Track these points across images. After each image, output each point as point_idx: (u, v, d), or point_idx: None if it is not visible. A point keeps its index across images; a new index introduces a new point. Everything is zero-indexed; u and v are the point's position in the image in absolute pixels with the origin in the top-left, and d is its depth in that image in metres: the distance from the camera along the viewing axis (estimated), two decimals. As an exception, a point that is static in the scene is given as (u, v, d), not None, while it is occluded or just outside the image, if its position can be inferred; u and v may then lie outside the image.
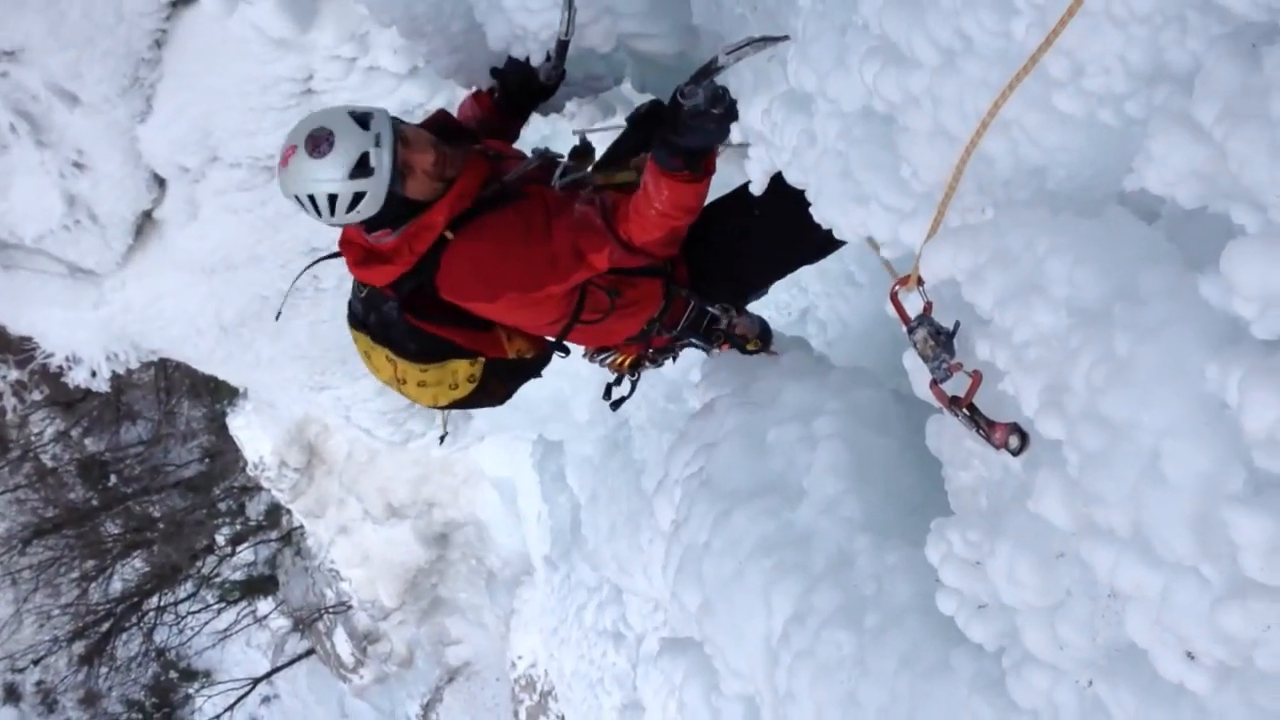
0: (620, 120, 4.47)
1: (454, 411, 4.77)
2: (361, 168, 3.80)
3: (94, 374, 13.00)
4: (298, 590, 25.25)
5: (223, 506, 26.79)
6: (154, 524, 26.54)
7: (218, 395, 22.04)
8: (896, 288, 3.12)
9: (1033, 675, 2.69)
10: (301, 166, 3.80)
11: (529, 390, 4.92)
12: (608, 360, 5.02)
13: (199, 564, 26.87)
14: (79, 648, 26.01)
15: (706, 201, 4.15)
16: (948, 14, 2.68)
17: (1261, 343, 2.03)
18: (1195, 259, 2.32)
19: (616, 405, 5.30)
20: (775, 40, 3.45)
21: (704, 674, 4.22)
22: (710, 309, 4.81)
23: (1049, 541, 2.58)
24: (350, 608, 22.63)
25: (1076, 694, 2.58)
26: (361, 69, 8.87)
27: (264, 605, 27.47)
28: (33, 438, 24.40)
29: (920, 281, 2.99)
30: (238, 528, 26.78)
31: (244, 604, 27.64)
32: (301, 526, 22.20)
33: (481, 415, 11.01)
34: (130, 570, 26.72)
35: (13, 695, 27.12)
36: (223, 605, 27.68)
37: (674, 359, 5.23)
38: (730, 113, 3.78)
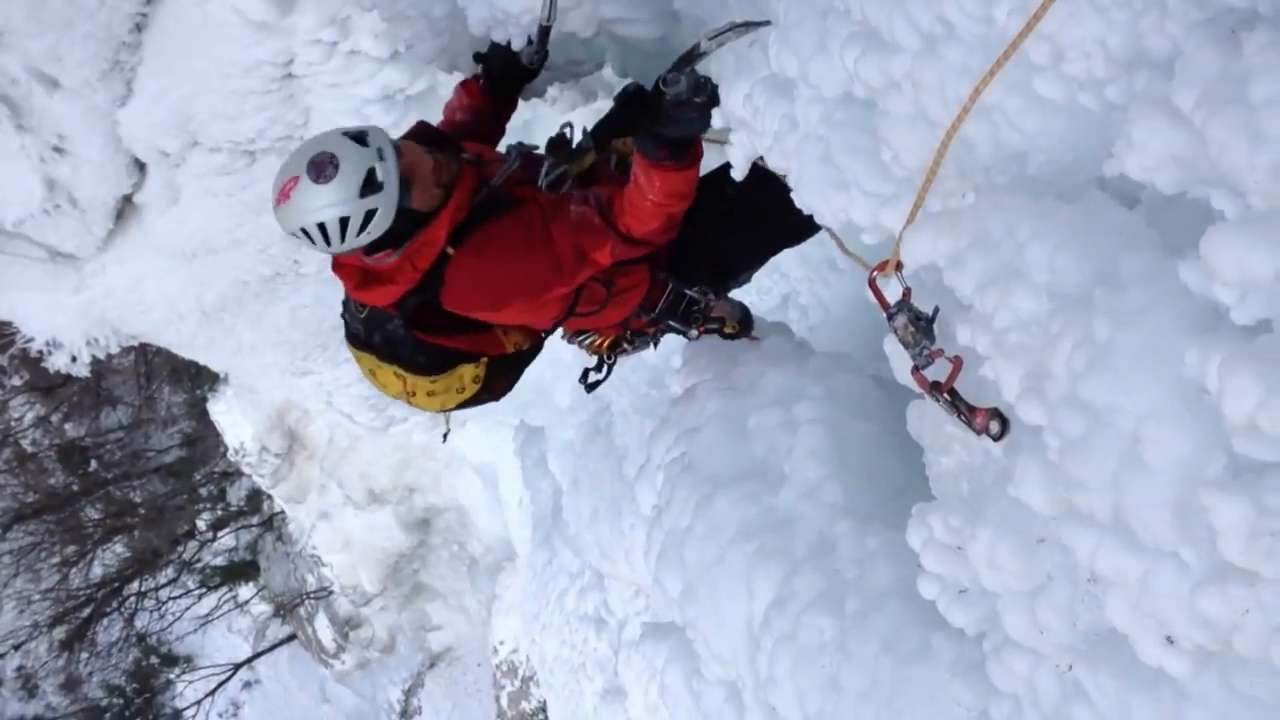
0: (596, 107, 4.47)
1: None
2: (370, 184, 3.73)
3: (74, 359, 12.96)
4: (279, 576, 25.22)
5: (204, 492, 26.76)
6: (135, 509, 26.49)
7: (198, 380, 22.01)
8: (875, 274, 3.12)
9: (1013, 660, 2.70)
10: (307, 195, 3.71)
11: (510, 375, 4.92)
12: (586, 342, 5.01)
13: (180, 549, 26.85)
14: (59, 633, 25.97)
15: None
16: (929, -1, 2.68)
17: (1241, 328, 2.03)
18: (1175, 244, 2.32)
19: (592, 388, 5.29)
20: (757, 25, 3.44)
21: (685, 659, 4.22)
22: (688, 291, 4.80)
23: (1030, 526, 2.59)
24: (332, 593, 22.61)
25: (1057, 678, 2.58)
26: (343, 53, 8.84)
27: (245, 590, 27.46)
28: (12, 423, 24.33)
29: (900, 266, 3.00)
30: (219, 513, 26.76)
31: (225, 589, 27.62)
32: (283, 512, 22.17)
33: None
34: (111, 555, 26.67)
35: (-8, 680, 27.12)
36: (204, 591, 27.66)
37: (654, 345, 5.22)
38: (713, 99, 3.77)
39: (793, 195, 3.55)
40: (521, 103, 4.74)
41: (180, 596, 27.60)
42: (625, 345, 5.08)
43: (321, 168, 3.72)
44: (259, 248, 11.02)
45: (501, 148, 4.54)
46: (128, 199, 10.80)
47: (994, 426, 2.61)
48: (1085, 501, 2.32)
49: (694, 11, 4.22)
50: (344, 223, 3.73)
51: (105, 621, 26.66)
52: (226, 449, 19.89)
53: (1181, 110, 2.10)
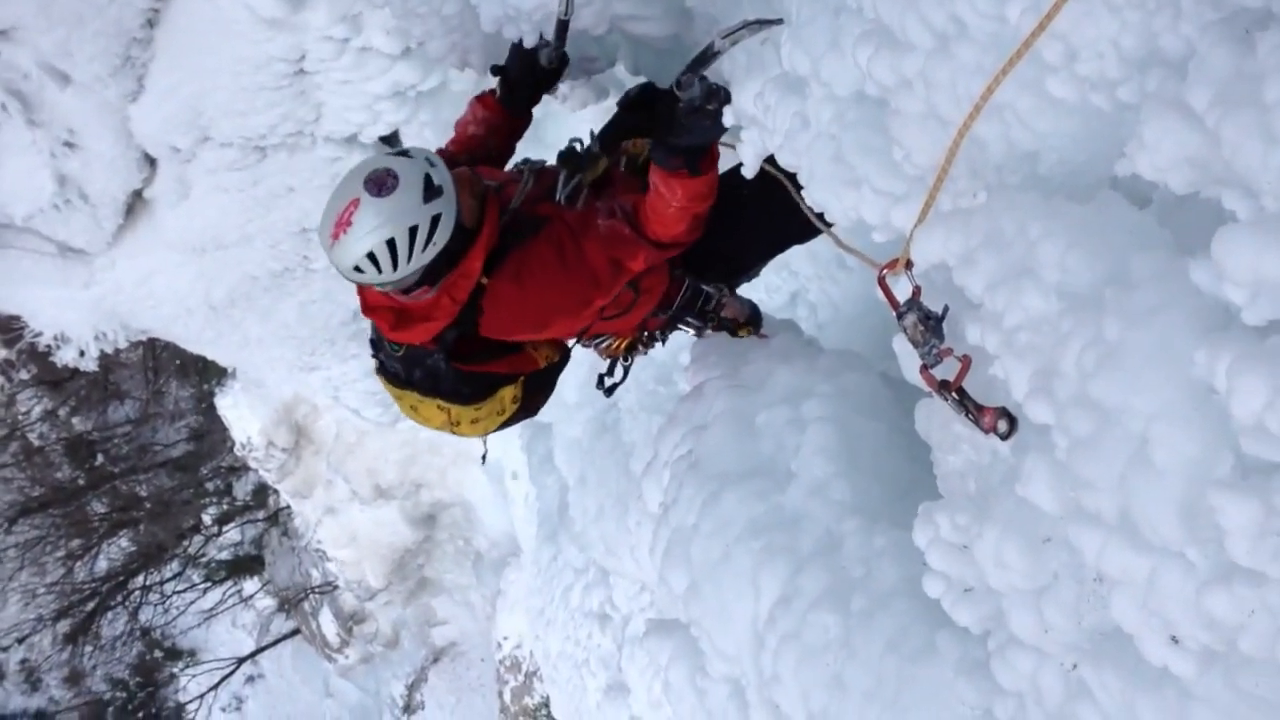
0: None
1: None
2: (430, 189, 3.74)
3: (82, 353, 13.01)
4: (284, 570, 25.23)
5: (210, 486, 26.77)
6: (140, 503, 26.52)
7: (206, 375, 22.02)
8: (885, 272, 3.13)
9: (1018, 658, 2.70)
10: (371, 212, 3.67)
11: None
12: (603, 345, 5.02)
13: (185, 543, 26.87)
14: (64, 626, 26.02)
15: None
16: (942, -2, 2.69)
17: (1251, 329, 2.03)
18: (1186, 245, 2.32)
19: (610, 391, 5.30)
20: (769, 23, 3.44)
21: (690, 656, 4.22)
22: (705, 287, 4.82)
23: (1036, 526, 2.59)
24: (336, 588, 22.60)
25: (1061, 677, 2.59)
26: (354, 50, 8.88)
27: (250, 585, 27.48)
28: (20, 416, 24.38)
29: (910, 265, 3.00)
30: (224, 507, 26.76)
31: (230, 584, 27.64)
32: (288, 507, 22.16)
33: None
34: (116, 549, 26.71)
35: (-3, 673, 27.18)
36: (208, 585, 27.67)
37: (662, 342, 5.23)
38: (725, 105, 3.78)
39: (804, 193, 3.55)
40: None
41: (185, 591, 27.62)
42: (640, 347, 5.09)
43: (381, 182, 3.70)
44: (268, 243, 11.06)
45: (508, 167, 4.55)
46: (138, 194, 10.84)
47: (1002, 425, 2.61)
48: (1093, 501, 2.32)
49: (706, 9, 4.23)
50: (413, 234, 3.71)
51: (110, 615, 26.72)
52: (233, 444, 19.87)
53: (1195, 110, 2.10)
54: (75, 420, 25.46)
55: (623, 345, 5.03)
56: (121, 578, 26.57)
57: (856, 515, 3.78)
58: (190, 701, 27.44)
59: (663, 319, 4.87)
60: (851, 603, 3.51)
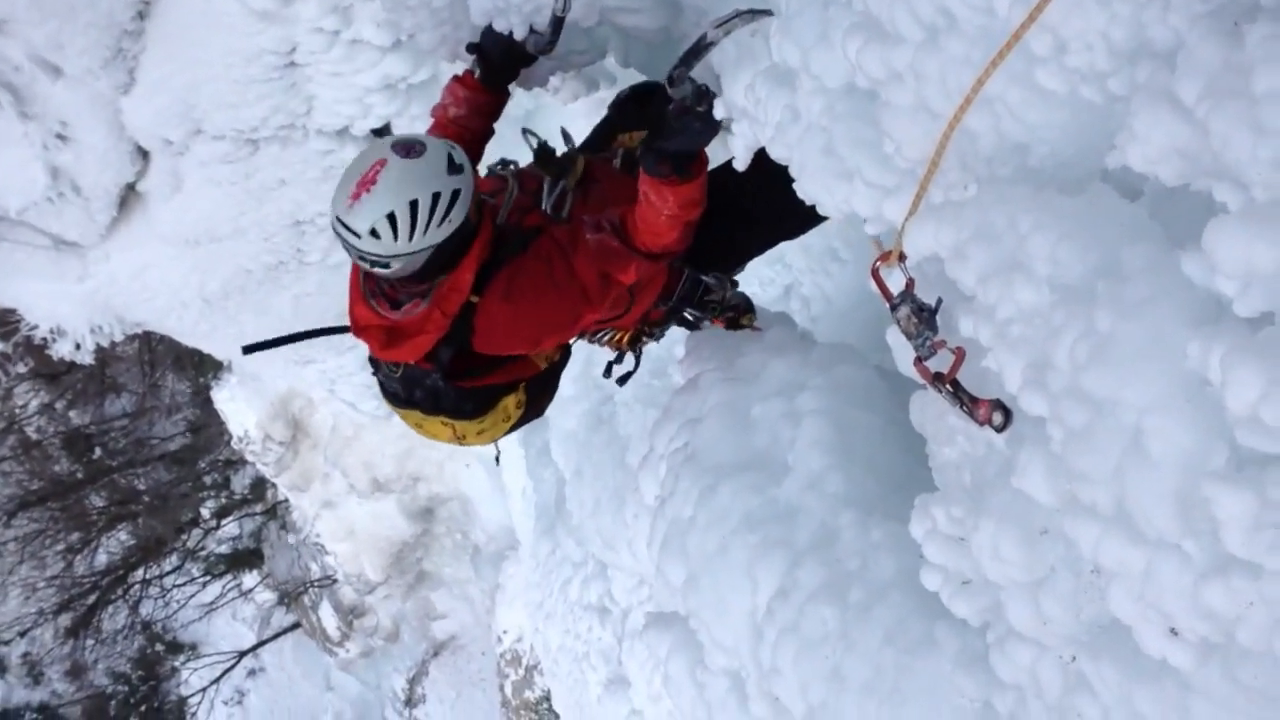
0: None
1: None
2: (453, 165, 3.74)
3: (78, 346, 13.01)
4: (283, 564, 25.26)
5: (208, 480, 26.80)
6: (139, 497, 26.56)
7: (202, 368, 22.04)
8: (878, 264, 3.12)
9: (1016, 650, 2.70)
10: (398, 171, 3.66)
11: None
12: (605, 339, 5.01)
13: (184, 537, 26.89)
14: (65, 620, 26.06)
15: None
16: (931, -10, 2.68)
17: (1243, 320, 2.03)
18: (1177, 236, 2.32)
19: (623, 381, 5.30)
20: (760, 13, 3.43)
21: (689, 648, 4.23)
22: (704, 279, 4.81)
23: (1032, 518, 2.59)
24: (335, 581, 22.63)
25: (1060, 669, 2.59)
26: (345, 42, 8.86)
27: (249, 579, 27.49)
28: (17, 410, 24.36)
29: (903, 258, 2.99)
30: (223, 501, 26.80)
31: (229, 577, 27.66)
32: (286, 500, 22.18)
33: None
34: (115, 543, 26.74)
35: (-2, 667, 27.21)
36: (208, 578, 27.70)
37: (657, 338, 5.23)
38: (712, 110, 3.76)
39: (795, 187, 3.54)
40: (524, 93, 4.72)
41: (185, 584, 27.65)
42: (644, 338, 5.08)
43: (409, 147, 3.71)
44: (262, 236, 11.05)
45: (482, 169, 4.51)
46: (131, 187, 10.83)
47: (997, 418, 2.61)
48: (1088, 493, 2.32)
49: (695, 1, 4.21)
50: (435, 200, 3.68)
51: (110, 609, 26.74)
52: (230, 437, 19.89)
53: (1184, 102, 2.09)
54: (72, 414, 25.44)
55: (626, 338, 5.01)
56: (121, 571, 26.60)
57: (852, 508, 3.78)
58: (192, 695, 27.47)
59: (663, 310, 4.86)
60: (849, 595, 3.51)
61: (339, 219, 3.70)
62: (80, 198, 10.77)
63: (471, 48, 4.51)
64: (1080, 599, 2.51)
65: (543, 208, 4.22)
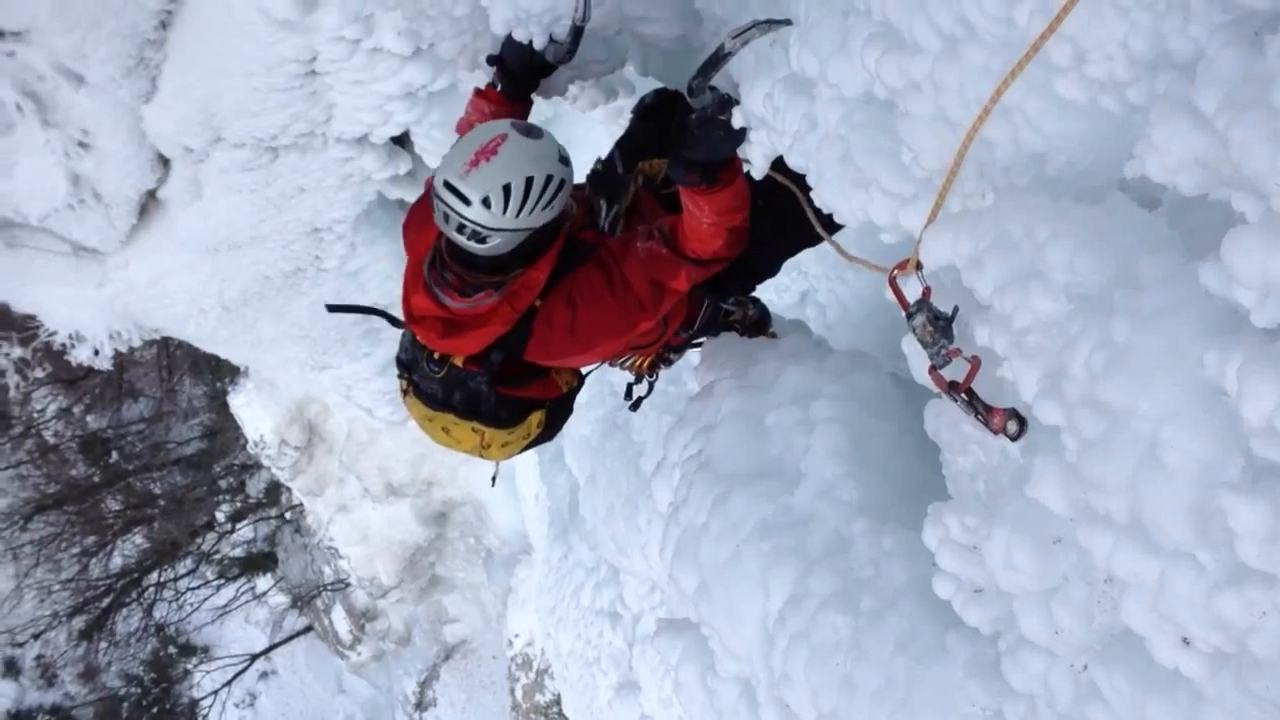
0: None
1: None
2: (563, 156, 3.86)
3: (96, 352, 13.03)
4: (296, 567, 25.28)
5: (223, 484, 26.81)
6: (154, 501, 26.57)
7: (219, 373, 22.09)
8: (895, 272, 3.13)
9: (1028, 659, 2.70)
10: (519, 147, 3.74)
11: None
12: (627, 363, 5.04)
13: (199, 541, 26.89)
14: (79, 623, 26.07)
15: None
16: (949, 0, 2.68)
17: (1261, 331, 2.03)
18: (1196, 247, 2.32)
19: (636, 405, 5.33)
20: (779, 24, 3.44)
21: (700, 655, 4.23)
22: (724, 305, 4.83)
23: (1046, 527, 2.59)
24: (348, 585, 22.62)
25: (1072, 678, 2.58)
26: (365, 51, 8.88)
27: (263, 582, 27.47)
28: (35, 414, 24.44)
29: (919, 266, 3.00)
30: (238, 505, 26.80)
31: (243, 581, 27.65)
32: (301, 504, 22.20)
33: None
34: (131, 546, 26.76)
35: (12, 669, 27.25)
36: (222, 582, 27.70)
37: (669, 363, 5.27)
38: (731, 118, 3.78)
39: (813, 194, 3.55)
40: (543, 101, 4.73)
41: (199, 587, 27.66)
42: (663, 364, 5.11)
43: (530, 128, 3.81)
44: (281, 243, 11.07)
45: None
46: (151, 194, 10.85)
47: (1011, 426, 2.61)
48: (1102, 502, 2.32)
49: (714, 10, 4.22)
50: (547, 182, 3.76)
51: (124, 612, 26.74)
52: (246, 442, 19.91)
53: (1204, 113, 2.09)
54: (90, 418, 25.50)
55: (645, 363, 5.04)
56: (136, 574, 26.62)
57: (866, 516, 3.78)
58: (204, 697, 27.47)
59: (684, 336, 4.89)
60: (861, 603, 3.51)
61: (449, 184, 3.73)
62: (101, 205, 10.80)
63: (492, 60, 4.53)
64: (1093, 608, 2.51)
65: (599, 226, 4.31)
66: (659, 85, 5.02)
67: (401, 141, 10.27)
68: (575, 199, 4.31)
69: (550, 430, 4.71)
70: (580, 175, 4.28)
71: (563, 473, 11.54)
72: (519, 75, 4.48)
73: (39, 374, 23.26)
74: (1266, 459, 2.02)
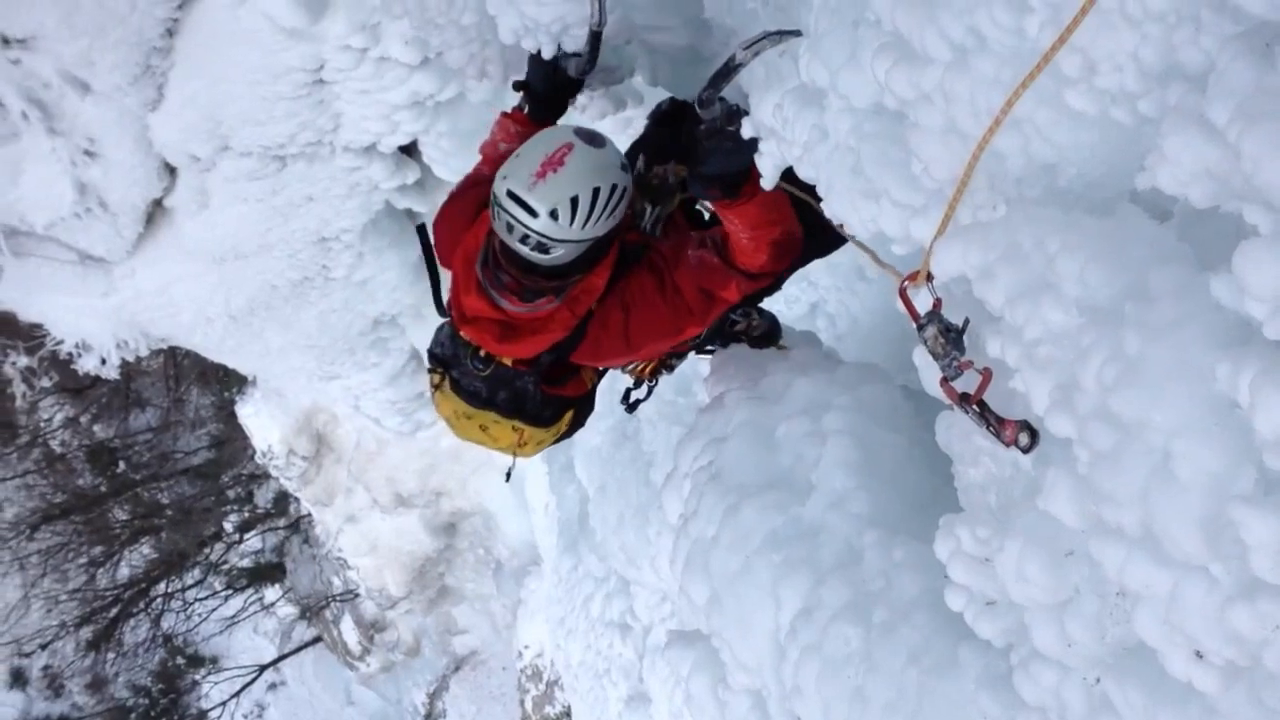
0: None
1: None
2: (624, 162, 3.85)
3: (103, 361, 13.07)
4: (305, 578, 25.30)
5: (231, 494, 26.84)
6: (162, 510, 26.62)
7: (226, 383, 22.10)
8: (905, 284, 3.12)
9: (1040, 672, 2.69)
10: (586, 158, 3.72)
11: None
12: (630, 369, 5.04)
13: (207, 551, 26.94)
14: (86, 633, 26.10)
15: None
16: (960, 11, 2.67)
17: (1273, 343, 2.02)
18: (1207, 259, 2.31)
19: (633, 408, 5.33)
20: (788, 34, 3.44)
21: (711, 667, 4.23)
22: (731, 315, 4.83)
23: (1058, 539, 2.58)
24: (357, 596, 22.65)
25: (1084, 691, 2.58)
26: (373, 59, 8.92)
27: (271, 593, 27.50)
28: (42, 424, 24.47)
29: (930, 278, 2.99)
30: (246, 515, 26.84)
31: (251, 591, 27.68)
32: (309, 515, 22.23)
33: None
34: (138, 556, 26.80)
35: (20, 679, 27.26)
36: (230, 592, 27.74)
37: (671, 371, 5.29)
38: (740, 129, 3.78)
39: (823, 205, 3.54)
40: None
41: (207, 598, 27.70)
42: (664, 369, 5.11)
43: (593, 137, 3.78)
44: (288, 252, 11.10)
45: None
46: (158, 203, 10.89)
47: (1023, 439, 2.60)
48: (1114, 515, 2.31)
49: (724, 20, 4.22)
50: (613, 192, 3.75)
51: (132, 622, 26.80)
52: (254, 451, 19.93)
53: (1215, 124, 2.09)
54: (97, 428, 25.54)
55: (649, 369, 5.04)
56: (143, 585, 26.66)
57: (876, 528, 3.78)
58: (213, 709, 27.47)
59: (689, 345, 4.89)
60: (872, 615, 3.51)
61: (514, 195, 3.70)
62: (107, 213, 10.84)
63: (518, 85, 4.54)
64: (1105, 621, 2.50)
65: (642, 228, 4.29)
66: (668, 95, 5.02)
67: (409, 150, 10.29)
68: None
69: (575, 426, 4.74)
70: None
71: (572, 483, 11.53)
72: (545, 95, 4.49)
73: (46, 383, 23.26)
74: (1279, 471, 2.01)
